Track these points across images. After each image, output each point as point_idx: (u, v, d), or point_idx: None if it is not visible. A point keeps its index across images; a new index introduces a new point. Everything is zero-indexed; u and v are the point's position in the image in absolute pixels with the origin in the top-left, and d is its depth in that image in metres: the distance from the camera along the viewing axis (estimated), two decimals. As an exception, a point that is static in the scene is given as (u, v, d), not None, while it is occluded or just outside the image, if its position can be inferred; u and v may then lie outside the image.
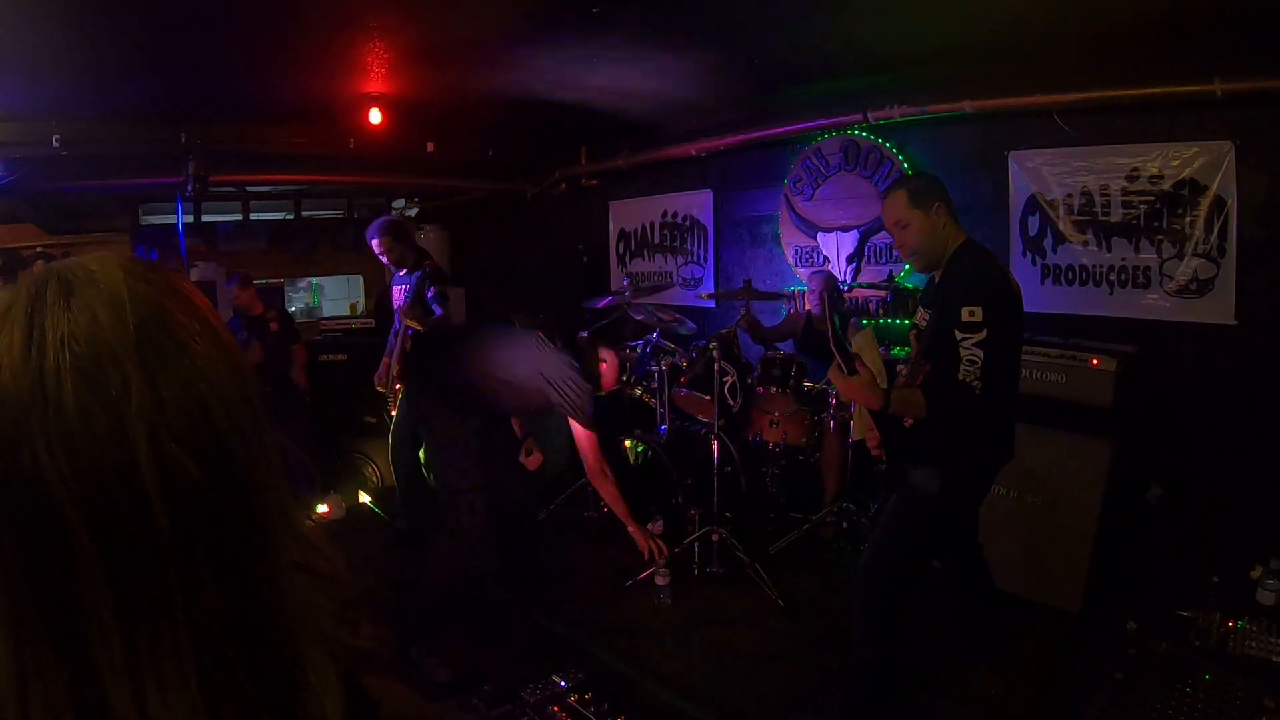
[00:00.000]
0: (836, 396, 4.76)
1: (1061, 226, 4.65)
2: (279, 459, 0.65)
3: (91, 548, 0.53)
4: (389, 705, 0.71)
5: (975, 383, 2.70)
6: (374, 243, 5.22)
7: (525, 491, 4.25)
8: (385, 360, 5.38)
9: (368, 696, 0.69)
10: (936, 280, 3.10)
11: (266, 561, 0.61)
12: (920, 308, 3.18)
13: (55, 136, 5.49)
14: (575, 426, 3.75)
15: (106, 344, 0.56)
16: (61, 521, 0.53)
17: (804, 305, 5.24)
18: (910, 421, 2.97)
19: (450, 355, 4.01)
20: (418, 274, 5.09)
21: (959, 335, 2.73)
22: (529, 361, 3.72)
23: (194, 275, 7.33)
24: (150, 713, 0.53)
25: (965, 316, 2.73)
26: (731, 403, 4.91)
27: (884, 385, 2.90)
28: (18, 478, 0.53)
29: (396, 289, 5.45)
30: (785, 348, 5.44)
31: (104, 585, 0.53)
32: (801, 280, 5.89)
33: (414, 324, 4.98)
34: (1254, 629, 2.65)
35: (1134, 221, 4.37)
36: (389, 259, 5.28)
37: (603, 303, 5.31)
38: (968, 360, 2.71)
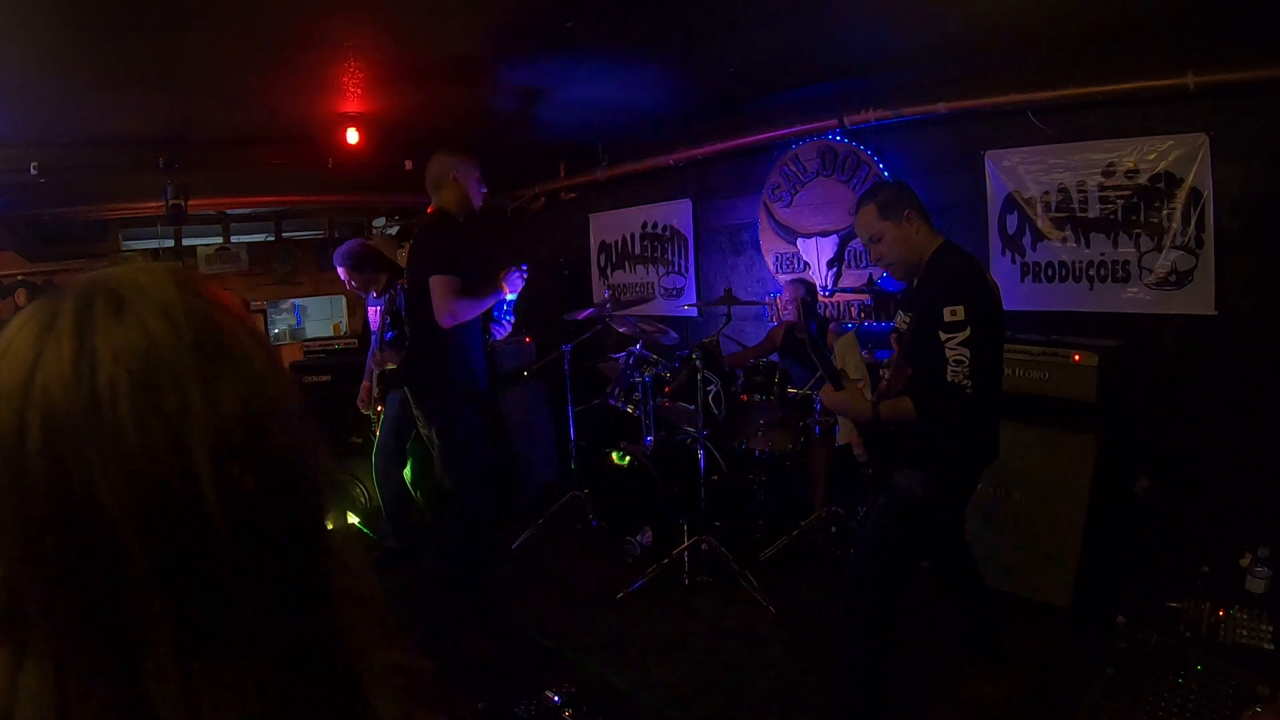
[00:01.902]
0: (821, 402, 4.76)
1: (1040, 224, 4.66)
2: (325, 478, 0.62)
3: (149, 574, 0.50)
4: None
5: (965, 382, 2.68)
6: (340, 272, 5.24)
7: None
8: (365, 384, 5.36)
9: None
10: (915, 284, 3.10)
11: (323, 586, 0.59)
12: (900, 311, 3.18)
13: (33, 163, 5.47)
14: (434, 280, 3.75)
15: (164, 360, 0.53)
16: (118, 547, 0.50)
17: (782, 314, 5.25)
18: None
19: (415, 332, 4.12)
20: (386, 297, 5.09)
21: (943, 336, 2.72)
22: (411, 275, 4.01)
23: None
24: None
25: (948, 316, 2.72)
26: (716, 411, 4.90)
27: (864, 385, 2.89)
28: (71, 501, 0.50)
29: (371, 310, 5.50)
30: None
31: (160, 614, 0.51)
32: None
33: (391, 364, 5.02)
34: (1244, 617, 2.65)
35: (1112, 216, 4.39)
36: (355, 286, 5.27)
37: (584, 315, 5.30)
38: (954, 361, 2.70)
